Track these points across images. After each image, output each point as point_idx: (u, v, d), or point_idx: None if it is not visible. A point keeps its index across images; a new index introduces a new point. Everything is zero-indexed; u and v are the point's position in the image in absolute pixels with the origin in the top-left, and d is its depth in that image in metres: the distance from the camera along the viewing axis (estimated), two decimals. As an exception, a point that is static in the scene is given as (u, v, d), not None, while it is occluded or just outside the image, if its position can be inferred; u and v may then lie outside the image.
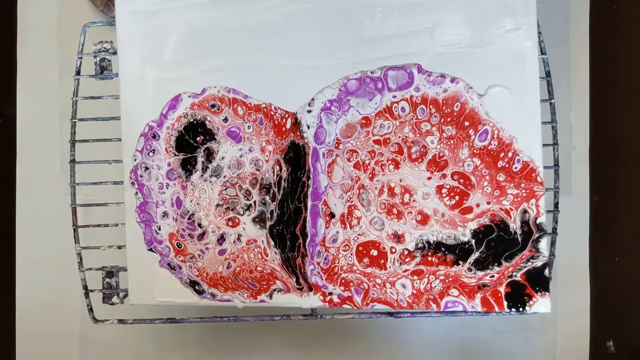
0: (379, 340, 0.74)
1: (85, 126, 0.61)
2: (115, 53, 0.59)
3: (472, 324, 0.74)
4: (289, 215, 0.55)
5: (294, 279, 0.55)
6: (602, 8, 0.72)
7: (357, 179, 0.54)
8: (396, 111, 0.52)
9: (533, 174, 0.50)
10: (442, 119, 0.51)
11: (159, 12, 0.57)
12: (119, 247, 0.60)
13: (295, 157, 0.55)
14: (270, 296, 0.56)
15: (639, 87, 0.68)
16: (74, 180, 0.61)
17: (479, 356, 0.73)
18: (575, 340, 0.74)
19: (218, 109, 0.56)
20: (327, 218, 0.54)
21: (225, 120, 0.56)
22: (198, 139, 0.56)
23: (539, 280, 0.50)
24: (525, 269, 0.50)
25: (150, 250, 0.58)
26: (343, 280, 0.54)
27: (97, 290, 0.60)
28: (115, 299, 0.60)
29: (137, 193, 0.58)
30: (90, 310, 0.60)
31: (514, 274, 0.51)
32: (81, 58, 0.60)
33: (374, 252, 0.53)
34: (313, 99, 0.54)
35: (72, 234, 0.60)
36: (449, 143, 0.51)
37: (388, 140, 0.53)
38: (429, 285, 0.52)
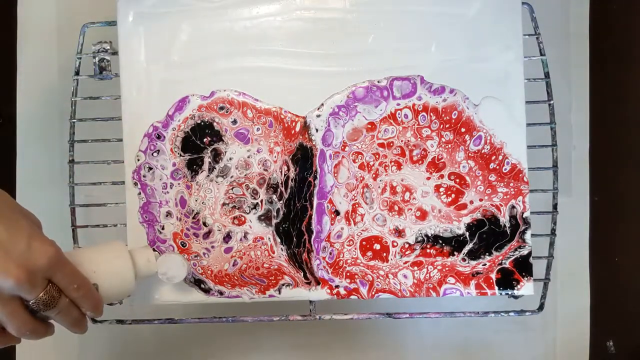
0: (377, 341, 0.73)
1: (84, 126, 0.58)
2: (114, 53, 0.58)
3: (472, 324, 0.72)
4: (295, 213, 0.57)
5: (302, 274, 0.57)
6: (602, 8, 0.70)
7: (361, 178, 0.57)
8: (399, 117, 0.56)
9: (520, 175, 0.56)
10: (441, 125, 0.56)
11: (167, 14, 0.56)
12: (118, 248, 0.58)
13: (303, 159, 0.57)
14: (279, 291, 0.57)
15: (639, 87, 0.67)
16: (72, 180, 0.58)
17: (479, 356, 0.73)
18: (575, 340, 0.73)
19: (227, 112, 0.57)
20: (332, 215, 0.57)
21: (235, 122, 0.57)
22: (205, 140, 0.57)
23: (525, 267, 0.55)
24: (513, 257, 0.56)
25: (154, 250, 0.57)
26: (348, 273, 0.57)
27: (95, 291, 0.58)
28: (114, 300, 0.59)
29: (140, 193, 0.57)
30: (89, 311, 0.58)
31: (503, 262, 0.56)
32: (80, 58, 0.58)
33: (377, 246, 0.57)
34: (322, 104, 0.56)
35: (71, 234, 0.58)
36: (447, 147, 0.56)
37: (391, 144, 0.57)
38: (428, 275, 0.57)
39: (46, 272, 0.42)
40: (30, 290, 0.41)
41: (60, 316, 0.44)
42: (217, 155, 0.57)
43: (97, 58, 0.58)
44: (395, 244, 0.56)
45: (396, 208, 0.56)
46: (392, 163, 0.56)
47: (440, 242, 0.56)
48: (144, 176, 0.57)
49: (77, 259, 0.46)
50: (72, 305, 0.45)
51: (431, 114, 0.56)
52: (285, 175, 0.56)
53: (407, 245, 0.56)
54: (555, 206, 0.58)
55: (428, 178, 0.56)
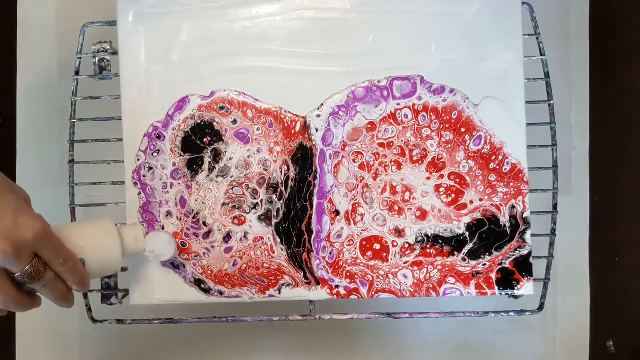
0: (377, 341, 0.73)
1: (84, 126, 0.58)
2: (114, 53, 0.57)
3: (472, 324, 0.72)
4: (295, 213, 0.57)
5: (302, 274, 0.57)
6: (602, 8, 0.70)
7: (361, 178, 0.57)
8: (400, 117, 0.56)
9: (520, 175, 0.55)
10: (441, 125, 0.56)
11: (167, 14, 0.56)
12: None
13: (303, 158, 0.57)
14: (279, 291, 0.57)
15: (638, 87, 0.66)
16: (72, 180, 0.58)
17: (479, 356, 0.73)
18: (575, 340, 0.72)
19: (227, 112, 0.57)
20: (333, 215, 0.57)
21: (235, 122, 0.57)
22: (205, 140, 0.57)
23: (525, 267, 0.55)
24: (513, 257, 0.56)
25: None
26: (348, 273, 0.57)
27: (95, 290, 0.58)
28: (114, 299, 0.58)
29: (140, 193, 0.57)
30: (89, 310, 0.57)
31: (503, 262, 0.56)
32: (80, 58, 0.58)
33: (377, 246, 0.57)
34: (322, 104, 0.56)
35: (71, 234, 0.57)
36: (447, 147, 0.56)
37: (392, 144, 0.56)
38: (428, 275, 0.56)
39: (32, 246, 0.42)
40: (16, 263, 0.41)
41: (46, 289, 0.45)
42: (217, 155, 0.57)
43: (97, 58, 0.58)
44: (395, 244, 0.56)
45: (396, 208, 0.56)
46: (392, 163, 0.56)
47: (440, 242, 0.56)
48: (144, 176, 0.57)
49: (66, 234, 0.47)
50: (58, 279, 0.45)
51: (431, 114, 0.56)
52: (285, 175, 0.56)
53: (407, 245, 0.56)
54: (555, 206, 0.58)
55: (428, 178, 0.56)
